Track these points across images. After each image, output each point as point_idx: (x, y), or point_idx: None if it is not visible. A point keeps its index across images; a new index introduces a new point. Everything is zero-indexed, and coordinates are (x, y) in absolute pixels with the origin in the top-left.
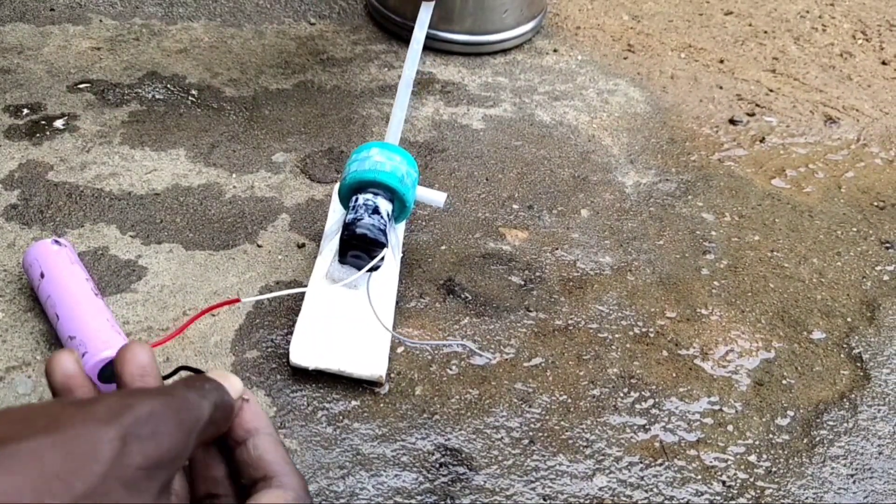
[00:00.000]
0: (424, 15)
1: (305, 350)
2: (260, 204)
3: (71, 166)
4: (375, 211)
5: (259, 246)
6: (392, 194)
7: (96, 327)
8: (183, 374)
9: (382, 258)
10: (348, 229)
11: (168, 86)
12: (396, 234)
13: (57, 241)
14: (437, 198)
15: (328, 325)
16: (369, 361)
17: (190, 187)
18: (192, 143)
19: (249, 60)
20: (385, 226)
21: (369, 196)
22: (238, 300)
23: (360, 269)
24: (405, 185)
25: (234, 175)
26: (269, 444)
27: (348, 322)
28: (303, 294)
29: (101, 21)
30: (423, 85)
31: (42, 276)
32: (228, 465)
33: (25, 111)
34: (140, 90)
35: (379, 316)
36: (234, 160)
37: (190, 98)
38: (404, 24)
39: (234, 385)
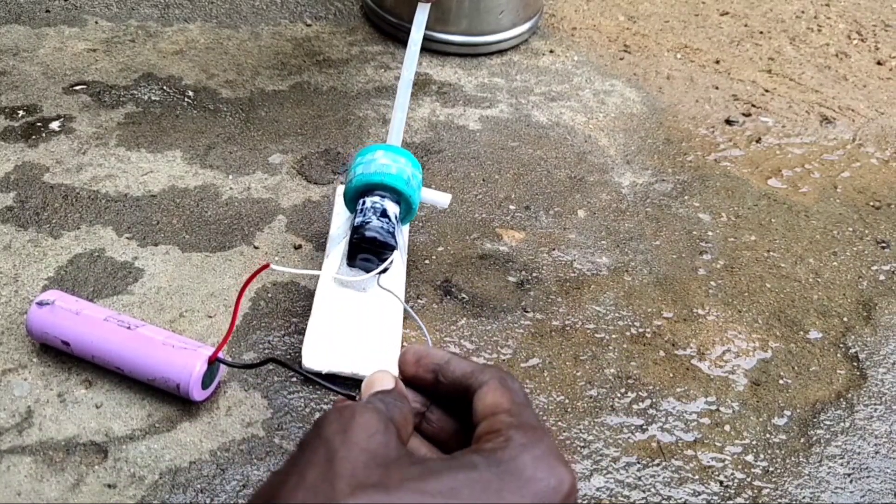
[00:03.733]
0: (421, 16)
1: (318, 354)
2: (256, 205)
3: (67, 168)
4: (384, 213)
5: (256, 247)
6: (399, 196)
7: (163, 357)
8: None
9: (392, 261)
10: (358, 232)
11: (164, 87)
12: (403, 237)
13: (41, 303)
14: (441, 199)
15: (339, 329)
16: (382, 364)
17: (186, 189)
18: (188, 145)
19: (246, 62)
20: (394, 228)
21: (377, 199)
22: (268, 265)
23: (369, 271)
24: (411, 188)
25: (230, 176)
26: (455, 364)
27: (359, 325)
28: (320, 284)
29: (96, 23)
30: (420, 86)
31: (66, 343)
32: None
33: (21, 113)
34: (136, 92)
35: (387, 319)
36: (230, 162)
37: (186, 99)
38: (400, 25)
39: (384, 380)
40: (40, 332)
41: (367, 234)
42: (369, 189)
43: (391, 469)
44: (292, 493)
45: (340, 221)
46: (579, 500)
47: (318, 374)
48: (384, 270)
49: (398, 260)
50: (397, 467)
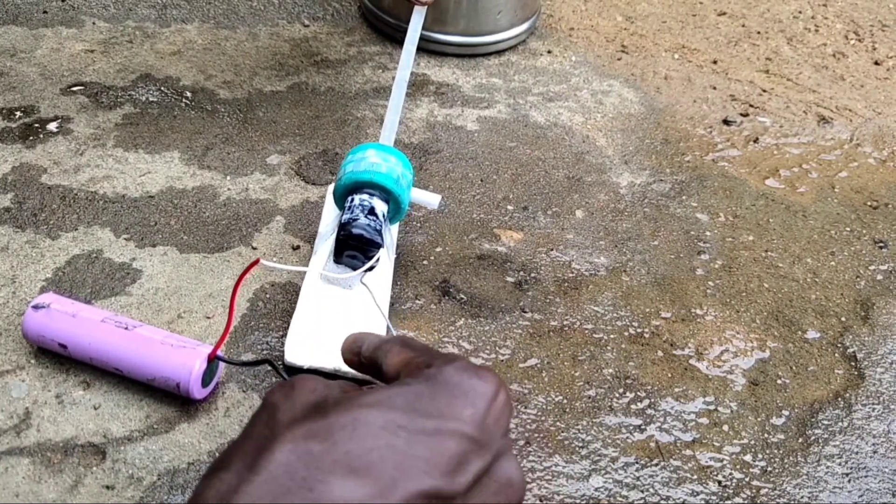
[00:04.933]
0: (417, 18)
1: (300, 349)
2: (254, 206)
3: (64, 169)
4: (371, 212)
5: (254, 248)
6: (387, 195)
7: (163, 356)
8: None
9: (378, 259)
10: (344, 229)
11: (162, 88)
12: (391, 235)
13: (37, 306)
14: (431, 199)
15: (323, 325)
16: None
17: (184, 190)
18: (186, 146)
19: (243, 62)
20: (381, 226)
21: (365, 196)
22: (258, 260)
23: (355, 269)
24: (400, 187)
25: (228, 177)
26: (367, 341)
27: (343, 321)
28: (308, 279)
29: (94, 24)
30: (418, 86)
31: (63, 346)
32: None
33: (18, 114)
34: (134, 92)
35: (381, 308)
36: (228, 162)
37: (184, 100)
38: (398, 26)
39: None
40: (37, 335)
41: (354, 231)
42: (358, 187)
43: (328, 402)
44: (239, 446)
45: (330, 219)
46: (577, 500)
47: (300, 370)
48: (370, 268)
49: (385, 258)
50: (335, 400)
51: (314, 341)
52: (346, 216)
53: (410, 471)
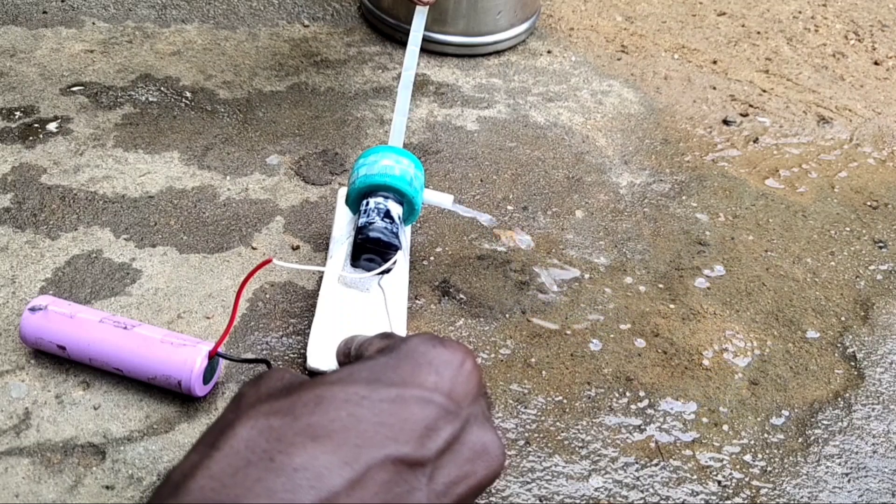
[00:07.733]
0: (419, 19)
1: (322, 354)
2: (254, 206)
3: (64, 169)
4: (387, 214)
5: (254, 248)
6: (402, 197)
7: (163, 355)
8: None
9: (395, 261)
10: (362, 233)
11: (161, 88)
12: (406, 237)
13: (33, 308)
14: (444, 199)
15: (343, 329)
16: None
17: (184, 190)
18: (185, 146)
19: (243, 62)
20: (397, 229)
21: (380, 199)
22: (270, 260)
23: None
24: (414, 189)
25: (228, 177)
26: (356, 340)
27: (363, 324)
28: (325, 278)
29: (93, 24)
30: (418, 86)
31: (62, 348)
32: None
33: (18, 114)
34: (133, 93)
35: (391, 317)
36: (228, 162)
37: (183, 100)
38: (398, 26)
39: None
40: (34, 338)
41: (371, 234)
42: (372, 190)
43: (293, 385)
44: (206, 431)
45: (343, 223)
46: (577, 500)
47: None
48: (387, 270)
49: (402, 260)
50: (300, 382)
51: (335, 346)
52: (363, 220)
53: (375, 438)
